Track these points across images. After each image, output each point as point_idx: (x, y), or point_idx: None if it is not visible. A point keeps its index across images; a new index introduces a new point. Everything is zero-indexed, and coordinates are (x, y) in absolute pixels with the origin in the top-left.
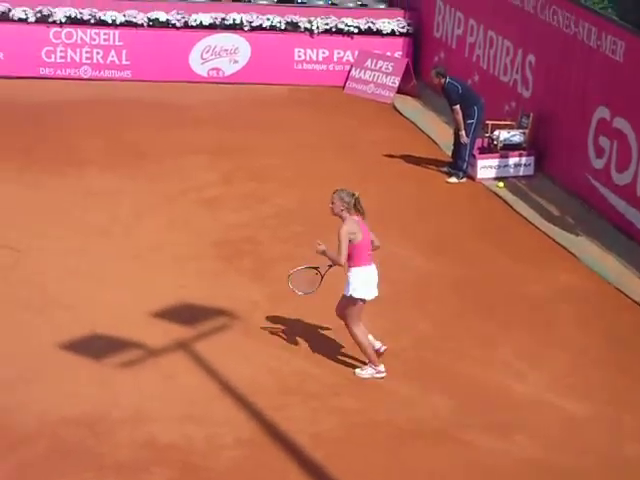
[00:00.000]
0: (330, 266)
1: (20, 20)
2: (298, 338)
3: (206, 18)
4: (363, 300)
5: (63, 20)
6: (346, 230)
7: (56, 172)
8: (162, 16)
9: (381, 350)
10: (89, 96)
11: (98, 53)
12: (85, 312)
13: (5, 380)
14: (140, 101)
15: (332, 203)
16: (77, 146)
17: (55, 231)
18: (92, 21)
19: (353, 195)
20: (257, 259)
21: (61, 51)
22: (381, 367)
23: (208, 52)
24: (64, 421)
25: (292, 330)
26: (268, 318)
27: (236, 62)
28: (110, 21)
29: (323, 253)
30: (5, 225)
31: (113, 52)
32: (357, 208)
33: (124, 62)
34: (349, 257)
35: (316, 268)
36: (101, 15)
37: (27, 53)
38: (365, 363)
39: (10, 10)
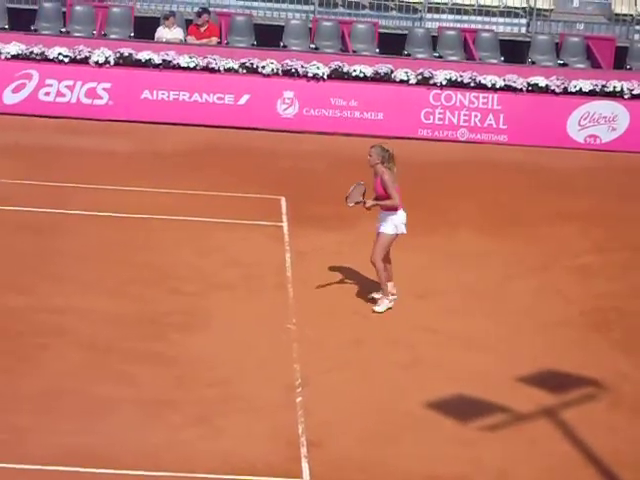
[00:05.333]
0: (363, 202)
1: (401, 81)
2: None
3: (586, 85)
4: (396, 236)
5: (443, 83)
6: (389, 177)
7: (429, 231)
8: (541, 81)
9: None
10: (465, 158)
11: (476, 116)
12: (451, 371)
13: (372, 435)
14: (515, 165)
15: (370, 156)
16: (451, 207)
17: (422, 289)
18: (472, 84)
19: (388, 150)
20: (627, 330)
21: (440, 113)
22: (394, 291)
23: (586, 119)
24: None
25: None
26: (637, 391)
27: (614, 130)
28: (490, 85)
29: (374, 205)
30: (376, 282)
31: (491, 115)
32: (391, 162)
33: (501, 126)
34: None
35: (358, 202)
36: (481, 79)
37: (407, 114)
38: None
39: (392, 71)
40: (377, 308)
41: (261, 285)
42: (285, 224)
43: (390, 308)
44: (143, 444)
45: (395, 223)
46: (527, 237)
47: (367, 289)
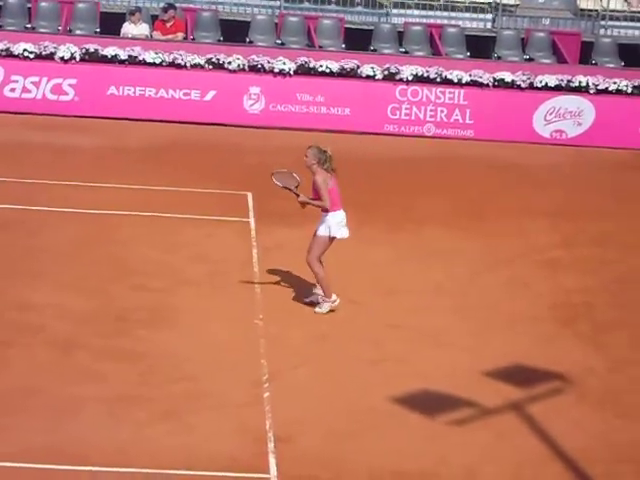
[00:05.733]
0: (296, 194)
1: (368, 77)
2: (637, 406)
3: (552, 80)
4: (333, 238)
5: (410, 78)
6: (321, 178)
7: (395, 228)
8: (507, 76)
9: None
10: (431, 154)
11: (442, 111)
12: (418, 367)
13: (339, 431)
14: (481, 160)
15: (306, 156)
16: (418, 202)
17: (389, 286)
18: (438, 80)
19: (325, 151)
20: (596, 324)
21: (406, 108)
22: (334, 297)
23: (552, 113)
24: (393, 476)
25: (630, 398)
26: (604, 385)
27: (580, 124)
28: (456, 80)
29: (307, 203)
30: (346, 279)
31: (457, 111)
32: (328, 163)
33: (467, 121)
34: None
35: (290, 189)
36: (447, 74)
37: (373, 110)
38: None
39: (359, 67)
40: (318, 309)
41: (228, 281)
42: (252, 220)
43: (332, 310)
44: (111, 441)
45: (329, 224)
46: (495, 232)
47: (333, 284)
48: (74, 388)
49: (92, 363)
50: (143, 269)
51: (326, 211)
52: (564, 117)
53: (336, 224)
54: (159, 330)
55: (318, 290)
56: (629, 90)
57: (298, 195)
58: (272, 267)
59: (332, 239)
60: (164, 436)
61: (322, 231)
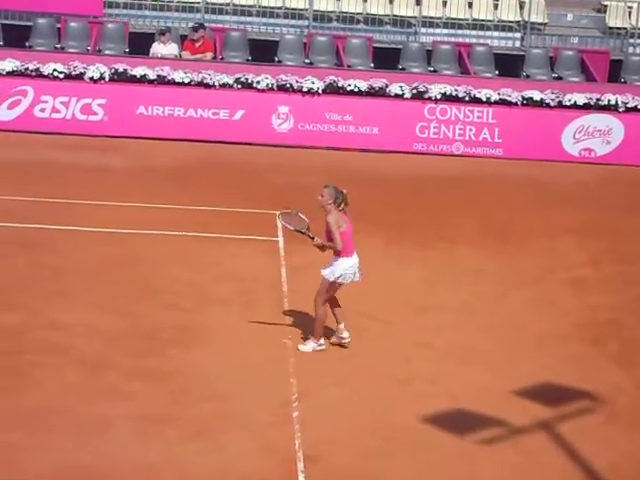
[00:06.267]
0: (310, 236)
1: (396, 96)
2: None
3: (580, 98)
4: (341, 284)
5: (438, 97)
6: (333, 219)
7: (425, 247)
8: (536, 95)
9: (344, 342)
10: (460, 172)
11: (471, 130)
12: (447, 386)
13: (368, 450)
14: (510, 179)
15: (321, 196)
16: (447, 221)
17: (418, 305)
18: (467, 98)
19: (342, 192)
20: (623, 343)
21: (435, 127)
22: (321, 341)
23: (581, 132)
24: None
25: None
26: (632, 403)
27: (609, 143)
28: (484, 99)
29: (322, 247)
30: (372, 297)
31: (486, 129)
32: (345, 203)
33: (496, 140)
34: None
35: (302, 232)
36: (476, 93)
37: (402, 128)
38: (307, 338)
39: (387, 86)
40: (302, 347)
41: (257, 300)
42: (280, 239)
43: (317, 350)
44: (140, 460)
45: (335, 270)
46: (523, 251)
47: (363, 303)
48: (103, 407)
49: (121, 382)
50: (172, 288)
51: (338, 253)
52: (593, 135)
53: (343, 270)
54: (189, 349)
55: (343, 333)
56: None
57: (313, 238)
58: (301, 286)
59: (339, 285)
60: (195, 455)
61: (326, 273)
